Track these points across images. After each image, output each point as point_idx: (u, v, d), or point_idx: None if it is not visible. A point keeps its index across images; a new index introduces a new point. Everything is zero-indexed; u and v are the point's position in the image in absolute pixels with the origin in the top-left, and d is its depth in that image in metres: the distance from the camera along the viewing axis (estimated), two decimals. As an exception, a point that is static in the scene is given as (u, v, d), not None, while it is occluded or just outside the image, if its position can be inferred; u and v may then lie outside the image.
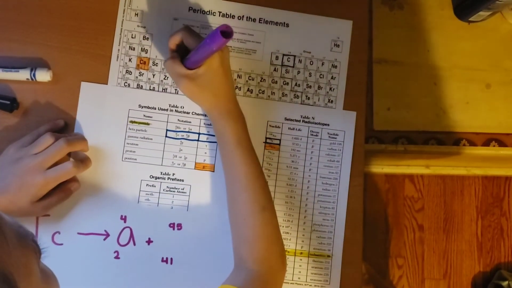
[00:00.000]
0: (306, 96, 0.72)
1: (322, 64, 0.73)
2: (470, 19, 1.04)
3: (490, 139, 1.06)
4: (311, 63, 0.73)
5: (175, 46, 0.65)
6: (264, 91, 0.72)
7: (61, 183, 0.64)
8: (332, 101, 0.73)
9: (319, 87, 0.73)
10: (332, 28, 0.73)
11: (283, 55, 0.73)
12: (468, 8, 1.02)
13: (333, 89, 0.73)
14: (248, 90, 0.72)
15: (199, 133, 0.71)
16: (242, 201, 0.64)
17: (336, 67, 0.73)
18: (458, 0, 1.04)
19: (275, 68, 0.72)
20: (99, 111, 0.69)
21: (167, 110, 0.71)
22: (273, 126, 0.72)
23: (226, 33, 0.56)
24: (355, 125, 0.73)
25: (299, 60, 0.73)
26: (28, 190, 0.60)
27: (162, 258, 0.70)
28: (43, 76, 0.67)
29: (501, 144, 1.06)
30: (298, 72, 0.73)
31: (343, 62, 0.73)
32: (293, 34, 0.73)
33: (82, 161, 0.66)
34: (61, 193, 0.65)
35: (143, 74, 0.71)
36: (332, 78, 0.73)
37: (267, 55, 0.72)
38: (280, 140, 0.72)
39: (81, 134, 0.69)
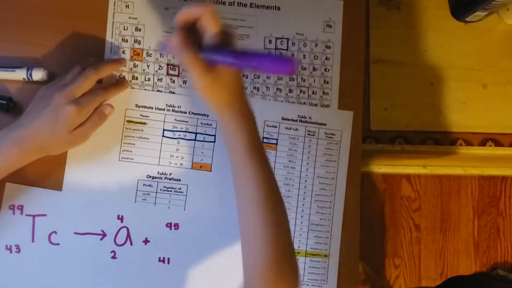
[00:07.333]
0: (302, 78, 0.73)
1: (316, 45, 0.73)
2: (466, 19, 1.04)
3: (487, 139, 1.06)
4: (305, 45, 0.73)
5: (184, 25, 0.55)
6: (259, 75, 0.72)
7: (96, 108, 0.64)
8: (327, 82, 0.73)
9: (314, 69, 0.73)
10: (323, 9, 0.73)
11: (276, 38, 0.73)
12: (464, 8, 1.02)
13: (328, 69, 0.73)
14: (243, 75, 0.72)
15: (196, 133, 0.71)
16: (253, 219, 0.58)
17: (329, 47, 0.73)
18: (454, 0, 1.05)
19: (269, 52, 0.73)
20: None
21: (164, 109, 0.70)
22: (270, 126, 0.72)
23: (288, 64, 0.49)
24: (352, 125, 0.73)
25: (293, 43, 0.73)
26: (64, 120, 0.61)
27: (159, 258, 0.70)
28: (39, 75, 0.67)
29: (498, 144, 1.06)
30: (292, 55, 0.73)
31: (336, 43, 0.73)
32: (285, 17, 0.73)
33: (115, 84, 0.68)
34: (96, 117, 0.64)
35: (137, 65, 0.71)
36: (326, 58, 0.73)
37: (260, 39, 0.73)
38: (277, 139, 0.72)
39: (111, 58, 0.70)
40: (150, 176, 0.70)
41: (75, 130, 0.62)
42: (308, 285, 0.71)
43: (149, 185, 0.70)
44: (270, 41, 0.73)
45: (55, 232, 0.68)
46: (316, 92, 0.73)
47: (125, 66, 0.70)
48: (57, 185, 0.68)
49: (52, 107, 0.61)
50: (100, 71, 0.64)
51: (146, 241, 0.69)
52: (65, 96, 0.61)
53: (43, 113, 0.61)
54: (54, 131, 0.61)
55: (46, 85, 0.64)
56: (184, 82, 0.71)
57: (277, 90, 0.72)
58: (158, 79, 0.71)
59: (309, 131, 0.72)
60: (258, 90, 0.72)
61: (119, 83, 0.69)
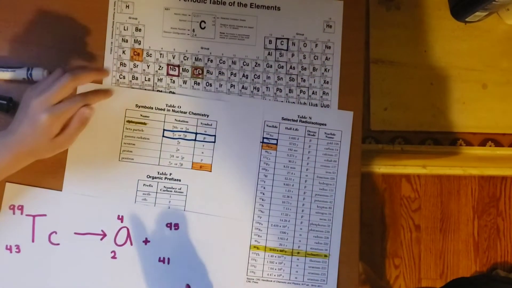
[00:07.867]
0: (302, 78, 0.73)
1: (316, 45, 0.73)
2: (466, 19, 1.04)
3: (487, 139, 1.06)
4: (305, 45, 0.73)
5: None
6: (259, 75, 0.72)
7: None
8: (328, 82, 0.73)
9: (314, 69, 0.73)
10: (323, 9, 0.73)
11: (276, 38, 0.73)
12: (464, 8, 1.02)
13: (328, 70, 0.73)
14: (243, 76, 0.72)
15: (196, 133, 0.71)
16: None
17: (329, 47, 0.73)
18: (454, 0, 1.05)
19: (269, 52, 0.73)
20: (96, 111, 0.69)
21: (164, 109, 0.71)
22: (270, 126, 0.72)
23: None
24: (352, 125, 0.73)
25: (293, 42, 0.73)
26: (41, 128, 0.59)
27: (159, 258, 0.70)
28: (39, 75, 0.67)
29: (498, 144, 1.07)
30: (292, 55, 0.73)
31: (336, 43, 0.73)
32: (285, 17, 0.73)
33: (94, 92, 0.65)
34: (77, 123, 0.61)
35: (137, 65, 0.71)
36: (326, 59, 0.73)
37: (260, 39, 0.73)
38: (277, 140, 0.72)
39: (95, 67, 0.68)
40: (150, 176, 0.70)
41: (56, 137, 0.61)
42: (308, 285, 0.71)
43: (149, 185, 0.70)
44: (270, 41, 0.73)
45: (55, 232, 0.68)
46: (316, 92, 0.73)
47: (107, 76, 0.69)
48: (57, 185, 0.69)
49: (29, 114, 0.59)
50: (78, 79, 0.61)
51: (146, 241, 0.69)
52: (40, 104, 0.59)
53: (24, 121, 0.59)
54: (35, 138, 0.60)
55: (30, 87, 0.62)
56: (184, 82, 0.71)
57: (277, 90, 0.72)
58: (158, 79, 0.71)
59: (309, 131, 0.72)
60: (258, 90, 0.72)
61: (100, 91, 0.67)
